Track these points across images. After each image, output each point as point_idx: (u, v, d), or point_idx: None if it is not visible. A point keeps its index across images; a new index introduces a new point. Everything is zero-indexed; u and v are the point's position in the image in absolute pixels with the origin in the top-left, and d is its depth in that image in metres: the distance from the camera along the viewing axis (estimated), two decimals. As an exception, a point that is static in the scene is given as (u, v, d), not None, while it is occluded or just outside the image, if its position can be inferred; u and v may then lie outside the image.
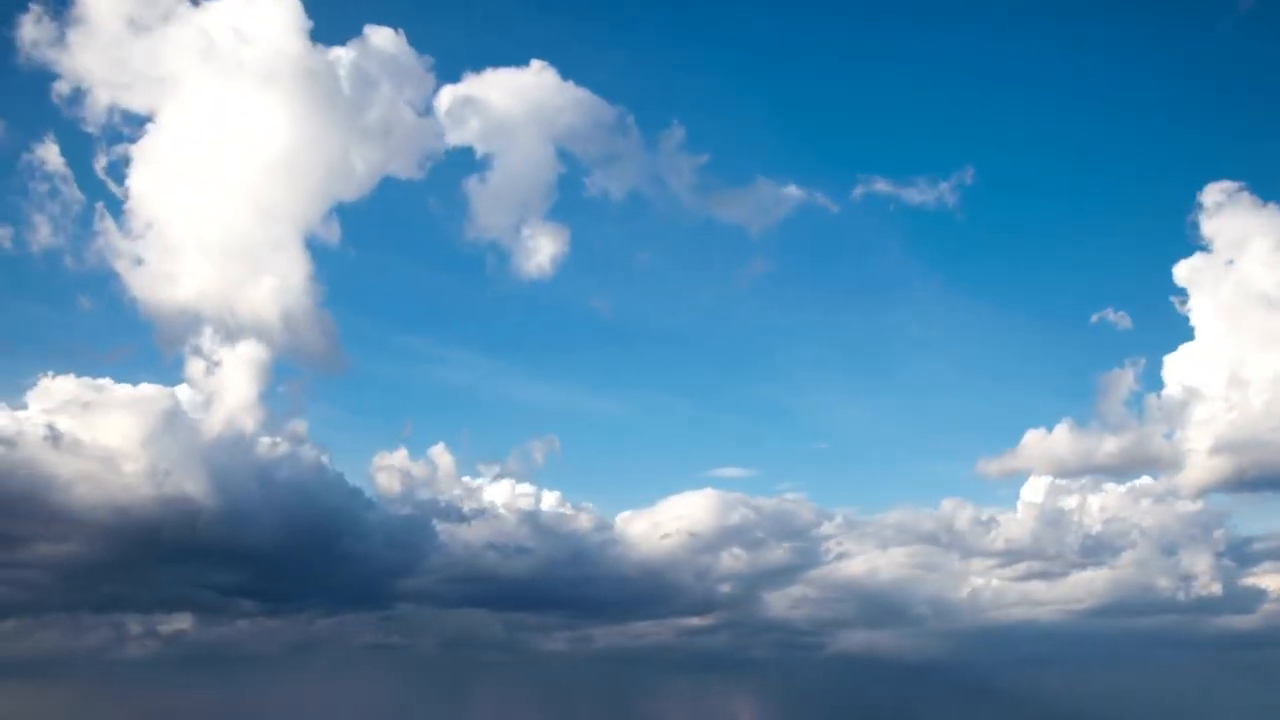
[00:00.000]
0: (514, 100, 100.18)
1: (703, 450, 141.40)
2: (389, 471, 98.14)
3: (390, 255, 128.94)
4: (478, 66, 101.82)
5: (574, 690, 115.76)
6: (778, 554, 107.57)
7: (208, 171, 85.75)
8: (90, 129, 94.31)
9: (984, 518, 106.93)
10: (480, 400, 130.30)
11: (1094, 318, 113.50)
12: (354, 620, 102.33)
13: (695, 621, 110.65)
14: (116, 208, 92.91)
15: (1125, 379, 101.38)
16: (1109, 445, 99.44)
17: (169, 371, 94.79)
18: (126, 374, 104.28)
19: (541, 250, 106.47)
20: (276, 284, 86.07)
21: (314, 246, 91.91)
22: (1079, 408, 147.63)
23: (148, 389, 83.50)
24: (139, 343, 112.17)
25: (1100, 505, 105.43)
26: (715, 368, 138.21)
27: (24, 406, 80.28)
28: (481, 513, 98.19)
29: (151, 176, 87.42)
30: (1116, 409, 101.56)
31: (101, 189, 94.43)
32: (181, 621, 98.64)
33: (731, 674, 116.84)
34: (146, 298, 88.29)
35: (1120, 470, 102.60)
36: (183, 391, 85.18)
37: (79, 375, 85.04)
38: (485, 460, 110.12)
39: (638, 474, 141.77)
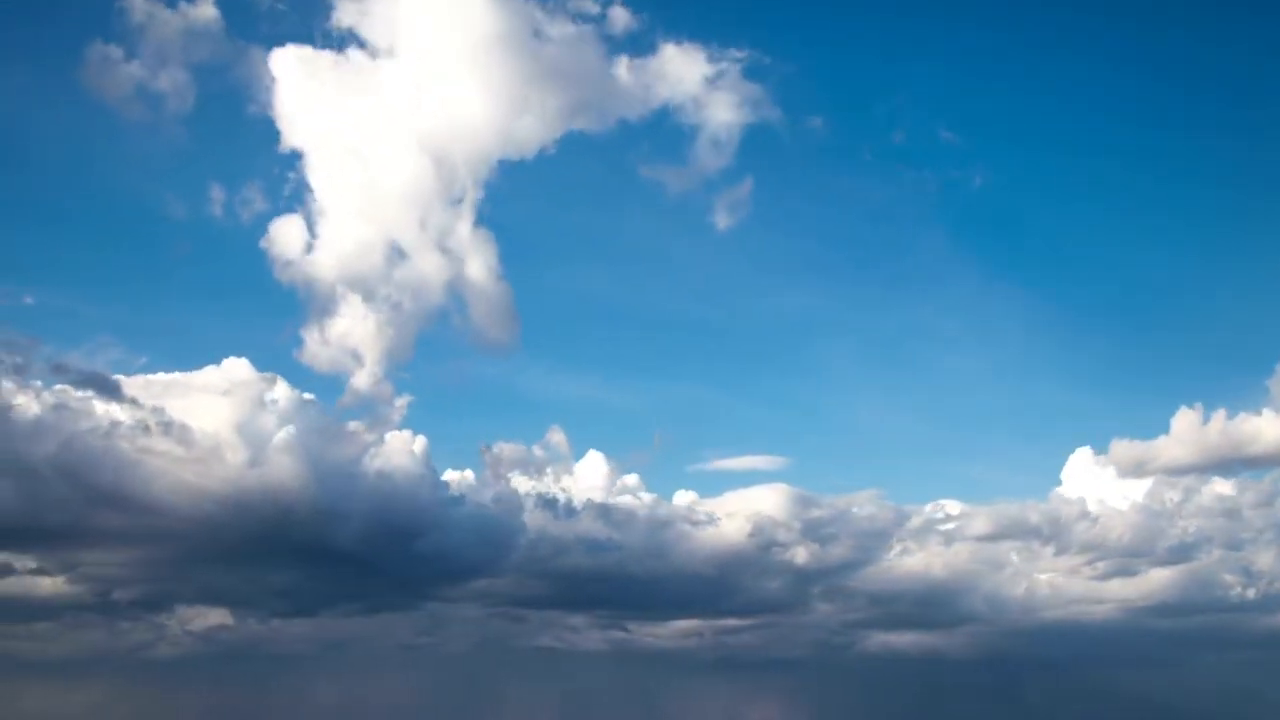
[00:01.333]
0: (699, 71, 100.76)
1: (730, 439, 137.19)
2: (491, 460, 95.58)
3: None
4: (668, 36, 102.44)
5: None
6: (841, 550, 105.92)
7: (383, 126, 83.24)
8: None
9: (1091, 513, 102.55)
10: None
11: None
12: (397, 618, 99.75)
13: (753, 619, 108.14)
14: (288, 163, 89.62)
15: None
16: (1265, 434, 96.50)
17: (286, 350, 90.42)
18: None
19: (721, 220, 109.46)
20: (447, 249, 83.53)
21: (489, 205, 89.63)
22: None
23: (250, 372, 79.18)
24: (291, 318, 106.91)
25: (1214, 498, 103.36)
26: (742, 354, 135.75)
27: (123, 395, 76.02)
28: (597, 507, 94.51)
29: (323, 129, 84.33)
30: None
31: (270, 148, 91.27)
32: (221, 616, 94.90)
33: (800, 670, 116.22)
34: (299, 266, 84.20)
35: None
36: (294, 375, 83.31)
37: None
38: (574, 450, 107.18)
39: (680, 461, 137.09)
